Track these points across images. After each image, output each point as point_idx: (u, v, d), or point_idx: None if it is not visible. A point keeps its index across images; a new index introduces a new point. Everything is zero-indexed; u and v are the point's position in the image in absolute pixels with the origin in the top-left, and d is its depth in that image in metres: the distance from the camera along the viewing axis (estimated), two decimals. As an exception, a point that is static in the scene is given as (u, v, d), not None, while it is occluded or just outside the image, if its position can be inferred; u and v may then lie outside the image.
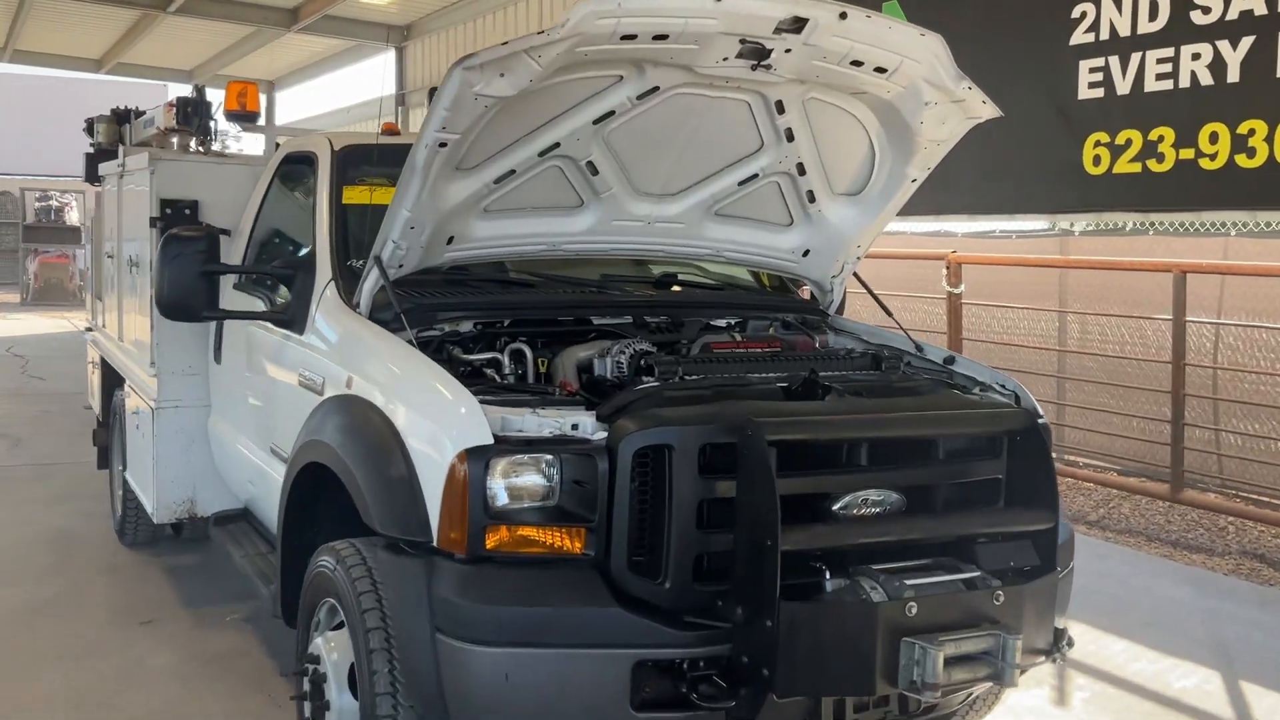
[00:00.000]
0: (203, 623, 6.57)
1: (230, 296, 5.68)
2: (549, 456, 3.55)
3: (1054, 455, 4.32)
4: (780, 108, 4.62)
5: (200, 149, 6.73)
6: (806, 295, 5.63)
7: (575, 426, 3.66)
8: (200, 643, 6.21)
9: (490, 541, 3.50)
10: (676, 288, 5.48)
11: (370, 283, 4.46)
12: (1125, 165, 8.86)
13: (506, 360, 4.41)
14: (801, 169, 4.95)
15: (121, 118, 8.65)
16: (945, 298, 10.68)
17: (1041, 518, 3.84)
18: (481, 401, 3.75)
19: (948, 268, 10.63)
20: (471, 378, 4.23)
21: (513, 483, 3.55)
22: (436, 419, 3.69)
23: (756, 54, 4.11)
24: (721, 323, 5.06)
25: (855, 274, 5.56)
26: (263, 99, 6.96)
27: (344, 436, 4.03)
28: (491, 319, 4.65)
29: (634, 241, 4.99)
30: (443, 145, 4.03)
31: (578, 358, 4.46)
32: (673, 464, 3.50)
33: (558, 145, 4.42)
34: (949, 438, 3.90)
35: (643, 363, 4.21)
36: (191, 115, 6.58)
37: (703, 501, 3.53)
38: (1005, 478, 4.01)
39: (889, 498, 3.72)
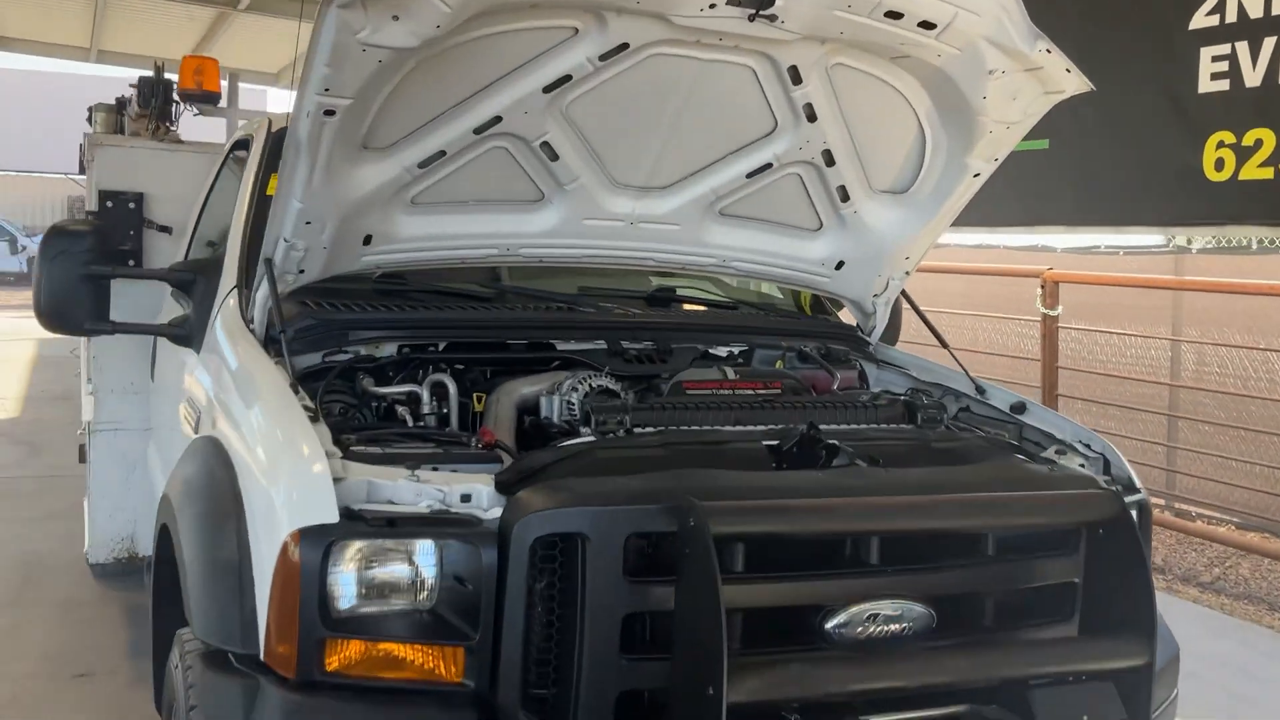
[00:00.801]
0: (143, 679, 5.65)
1: (170, 306, 4.80)
2: (421, 542, 2.54)
3: (1164, 505, 3.16)
4: (796, 76, 3.54)
5: (161, 135, 5.87)
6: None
7: (466, 498, 2.63)
8: (129, 706, 5.31)
9: (332, 661, 2.49)
10: (693, 307, 4.42)
11: (263, 292, 3.49)
12: (1253, 171, 7.52)
13: (426, 396, 3.41)
14: (829, 158, 3.85)
15: (122, 105, 7.91)
16: (1039, 320, 9.41)
17: (1132, 649, 2.69)
18: (355, 457, 2.75)
19: (1043, 286, 9.36)
20: (384, 419, 3.25)
21: (367, 577, 2.54)
22: (276, 481, 2.71)
23: (754, -2, 3.05)
24: (723, 351, 3.98)
25: (903, 293, 4.43)
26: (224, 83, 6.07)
27: (182, 497, 3.07)
28: (422, 340, 3.65)
29: (613, 247, 3.95)
30: (329, 114, 3.04)
31: (520, 395, 3.44)
32: (586, 560, 2.45)
33: (499, 120, 3.41)
34: (1001, 528, 2.77)
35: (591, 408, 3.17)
36: (149, 97, 5.73)
37: (631, 616, 2.47)
38: (1082, 585, 2.87)
39: (909, 612, 2.63)
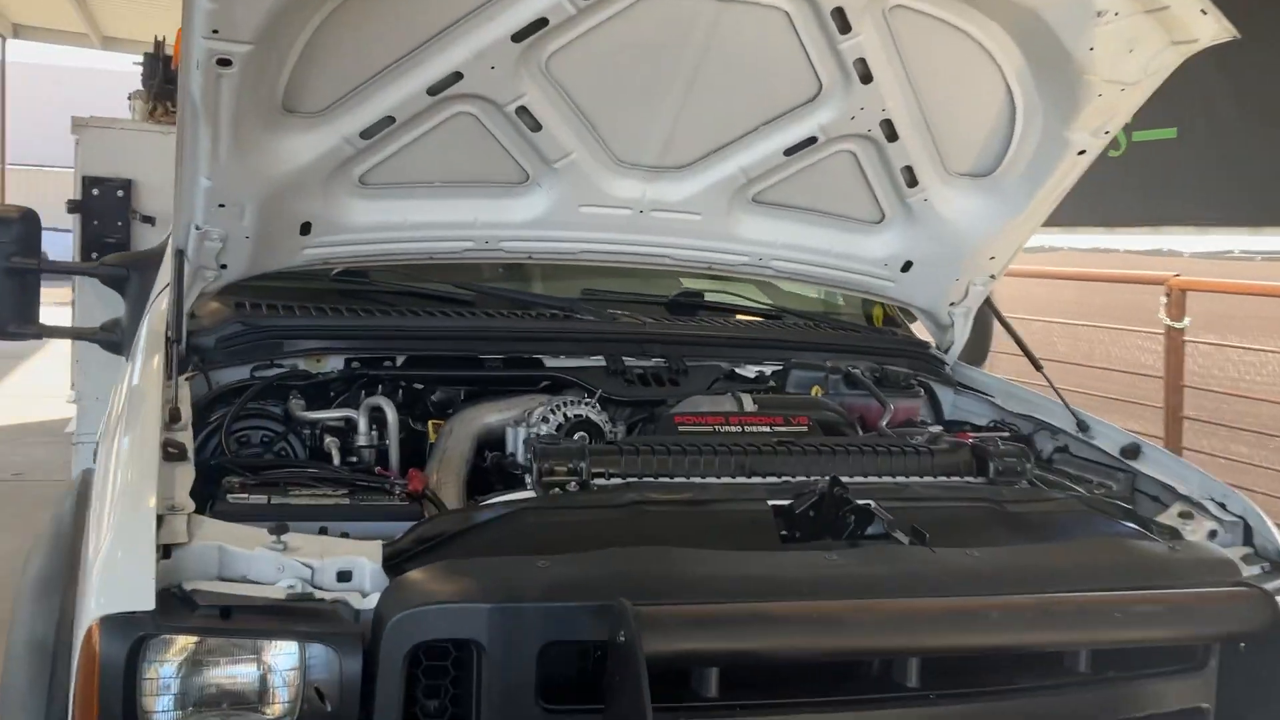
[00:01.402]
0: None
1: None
2: (263, 642, 1.83)
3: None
4: (843, 22, 2.77)
5: (159, 117, 5.32)
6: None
7: (345, 576, 1.93)
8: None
9: (142, 791, 1.81)
10: (726, 316, 3.66)
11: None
12: None
13: (363, 423, 2.72)
14: (890, 130, 3.06)
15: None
16: (1163, 333, 8.36)
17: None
18: (224, 511, 2.09)
19: (1167, 295, 8.31)
20: (313, 455, 2.61)
21: (192, 684, 1.84)
22: (97, 546, 2.02)
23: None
24: (752, 371, 3.20)
25: (988, 301, 3.60)
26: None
27: (32, 548, 2.42)
28: (375, 354, 2.97)
29: (619, 241, 3.22)
30: (224, 63, 2.37)
31: (480, 425, 2.74)
32: (483, 677, 1.72)
33: (458, 78, 2.71)
34: (1099, 644, 1.95)
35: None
36: (148, 76, 5.18)
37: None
38: (1215, 713, 2.03)
39: (962, 759, 1.82)
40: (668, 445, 2.32)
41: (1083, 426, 3.13)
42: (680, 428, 2.49)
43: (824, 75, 2.92)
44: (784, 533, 2.13)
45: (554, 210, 3.09)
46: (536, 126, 2.88)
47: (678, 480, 2.27)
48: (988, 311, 3.70)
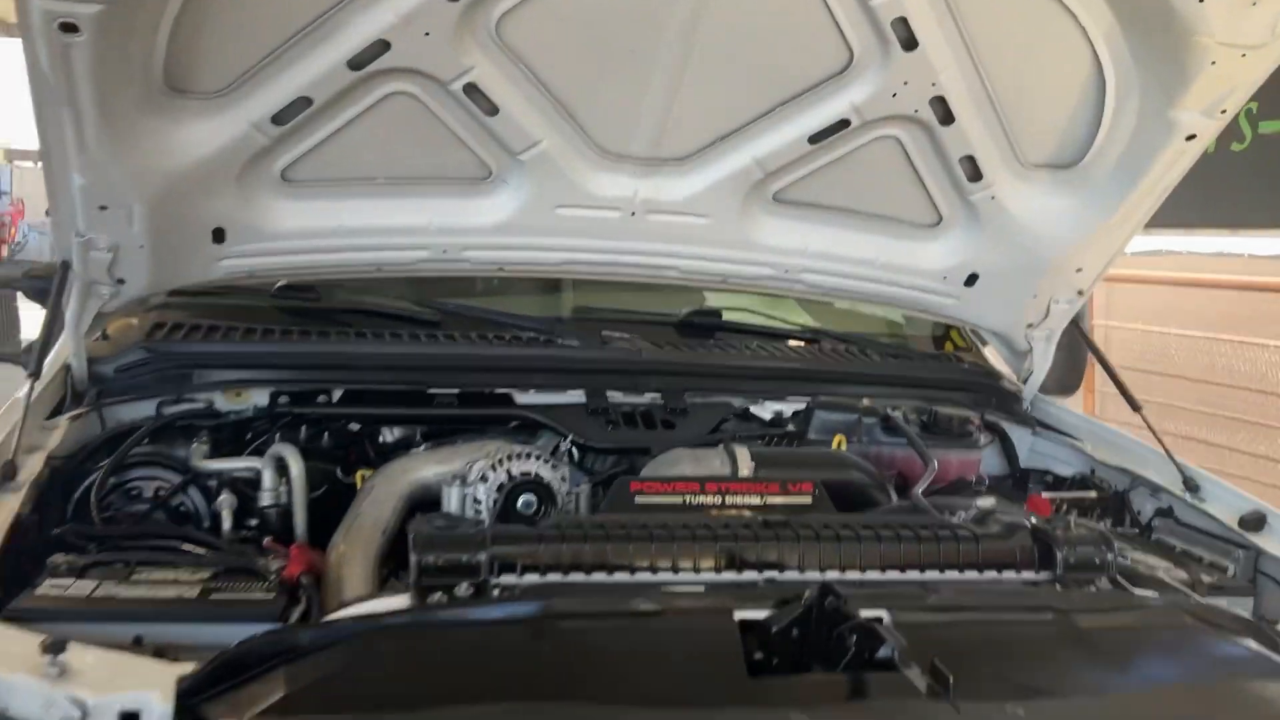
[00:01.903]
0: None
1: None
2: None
3: None
4: (875, -30, 2.15)
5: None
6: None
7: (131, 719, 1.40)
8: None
9: None
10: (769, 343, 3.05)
11: (72, 310, 2.37)
12: None
13: (269, 476, 2.20)
14: (944, 110, 2.44)
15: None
16: (1293, 347, 7.47)
17: None
18: (19, 611, 1.59)
19: (1299, 304, 7.45)
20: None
21: None
22: None
23: None
24: (769, 409, 2.60)
25: (1075, 323, 2.93)
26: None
27: None
28: (307, 387, 2.45)
29: (608, 249, 2.65)
30: (69, 29, 1.87)
31: (413, 481, 2.19)
32: None
33: (385, 48, 2.17)
34: None
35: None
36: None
37: None
38: None
39: None
40: (609, 528, 1.73)
41: (1191, 486, 2.46)
42: (638, 498, 1.90)
43: (855, 41, 2.31)
44: (757, 657, 1.53)
45: (525, 212, 2.53)
46: (492, 109, 2.33)
47: (617, 579, 1.68)
48: (1076, 334, 3.03)
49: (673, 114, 2.43)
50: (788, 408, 2.60)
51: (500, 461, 2.12)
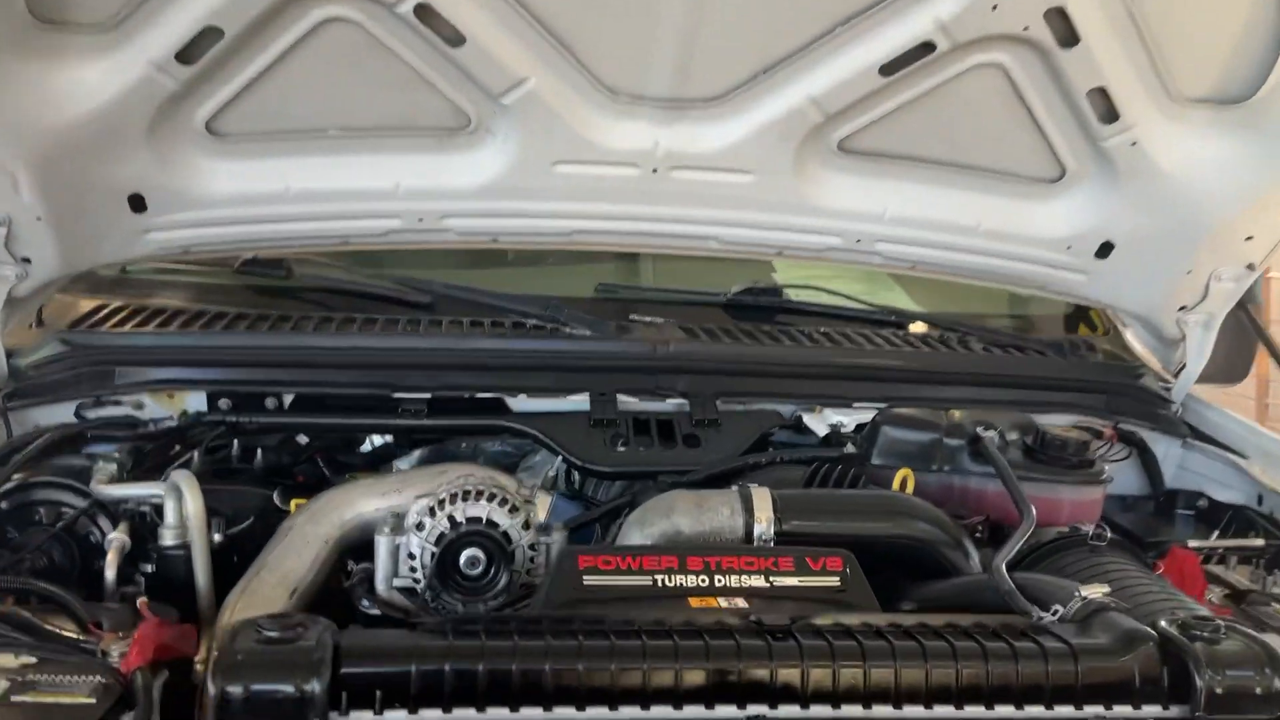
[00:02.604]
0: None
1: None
2: None
3: None
4: None
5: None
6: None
7: None
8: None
9: None
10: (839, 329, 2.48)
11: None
12: None
13: (170, 512, 1.75)
14: (1066, 29, 1.82)
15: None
16: None
17: None
18: None
19: None
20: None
21: None
22: None
23: None
24: (825, 421, 2.02)
25: (1242, 309, 2.26)
26: None
27: None
28: (252, 388, 2.00)
29: (626, 215, 2.11)
30: None
31: (345, 520, 1.72)
32: None
33: (300, -41, 1.66)
34: None
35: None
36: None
37: None
38: None
39: None
40: (520, 634, 1.19)
41: None
42: (587, 578, 1.35)
43: (936, -68, 1.69)
44: None
45: (516, 171, 2.00)
46: (456, 37, 1.80)
47: (523, 720, 1.16)
48: (1247, 318, 2.35)
49: (700, 41, 1.86)
50: (851, 419, 2.02)
51: (442, 503, 1.62)
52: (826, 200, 2.11)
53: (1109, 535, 1.68)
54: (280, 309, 2.26)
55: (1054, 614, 1.36)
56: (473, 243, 2.15)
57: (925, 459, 1.89)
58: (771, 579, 1.38)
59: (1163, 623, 1.31)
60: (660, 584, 1.35)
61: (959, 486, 1.88)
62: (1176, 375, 2.34)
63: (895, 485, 1.76)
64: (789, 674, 1.21)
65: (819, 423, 2.02)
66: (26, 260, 1.97)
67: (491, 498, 1.64)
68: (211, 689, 1.11)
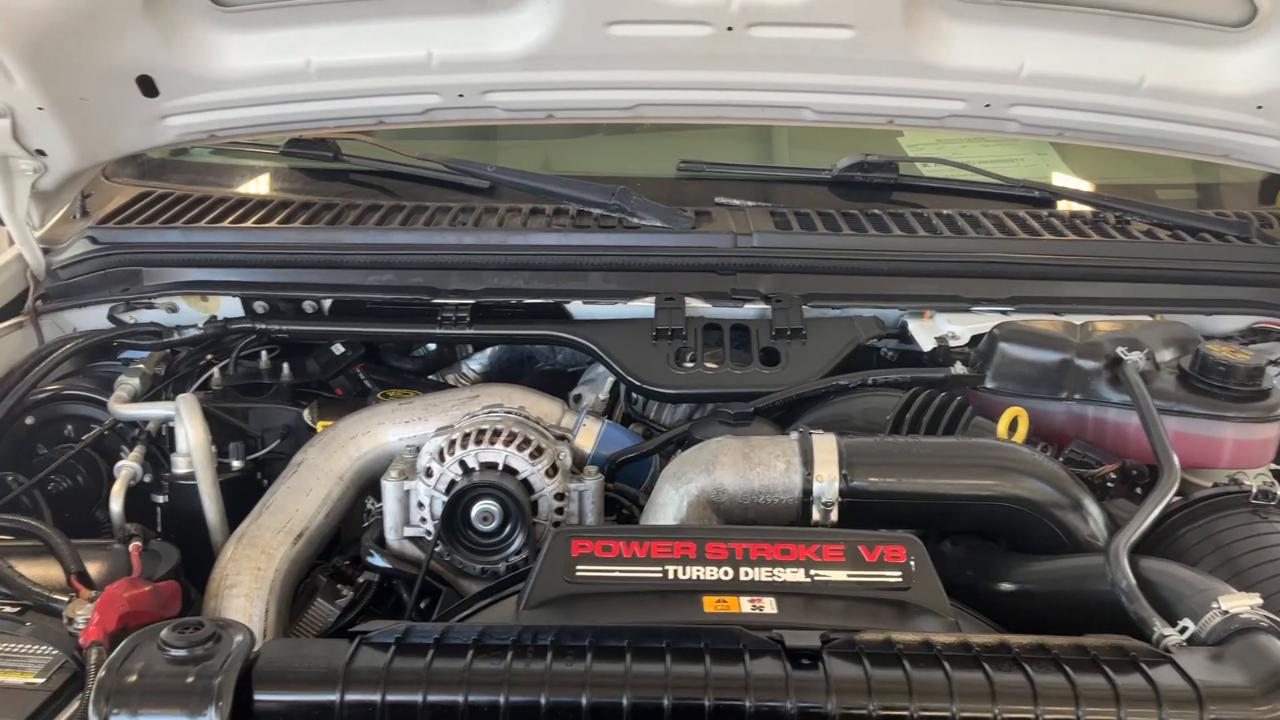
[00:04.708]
0: None
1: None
2: None
3: None
4: None
5: None
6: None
7: None
8: None
9: None
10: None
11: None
12: None
13: (181, 437, 1.60)
14: None
15: None
16: None
17: None
18: None
19: None
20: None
21: None
22: None
23: None
24: (932, 332, 1.69)
25: None
26: None
27: None
28: (288, 293, 1.82)
29: (694, 83, 1.77)
30: None
31: (362, 453, 1.55)
32: None
33: None
34: None
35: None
36: None
37: None
38: None
39: None
40: (471, 660, 0.96)
41: None
42: (580, 568, 1.09)
43: None
44: None
45: (563, 35, 1.69)
46: None
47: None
48: None
49: None
50: (966, 328, 1.67)
51: (453, 444, 1.39)
52: (946, 57, 1.72)
53: (1278, 496, 1.31)
54: (330, 193, 2.05)
55: (1182, 631, 1.04)
56: (520, 118, 1.86)
57: (1052, 384, 1.54)
58: (813, 572, 1.10)
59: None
60: (671, 577, 1.09)
61: (1093, 419, 1.53)
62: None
63: (1003, 427, 1.42)
64: (811, 713, 0.94)
65: (926, 332, 1.69)
66: (41, 152, 1.80)
67: (511, 439, 1.40)
68: (94, 718, 0.93)
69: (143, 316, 1.86)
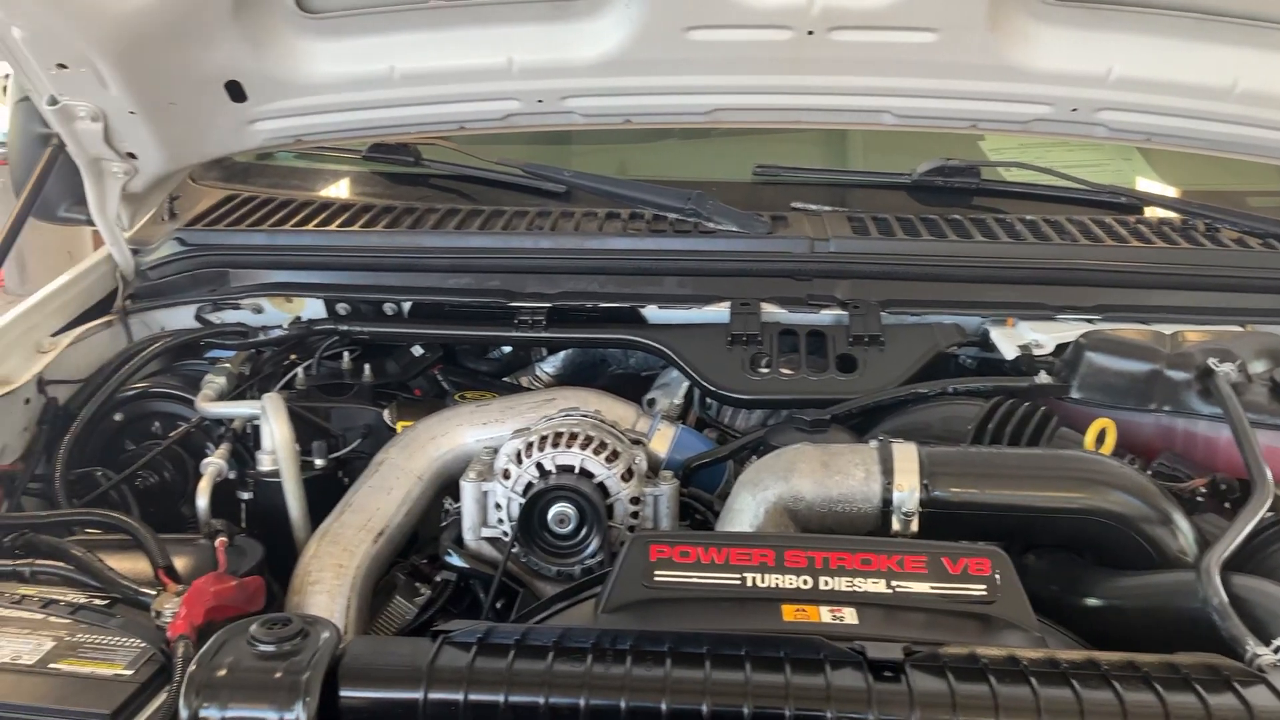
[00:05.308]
0: None
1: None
2: None
3: None
4: None
5: None
6: None
7: None
8: None
9: None
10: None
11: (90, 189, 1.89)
12: None
13: (266, 435, 1.64)
14: None
15: None
16: None
17: None
18: None
19: None
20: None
21: None
22: None
23: None
24: (1014, 340, 1.66)
25: None
26: None
27: None
28: (371, 295, 1.85)
29: (773, 88, 1.76)
30: None
31: (440, 455, 1.57)
32: None
33: None
34: None
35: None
36: None
37: None
38: None
39: None
40: (552, 662, 0.96)
41: None
42: (658, 573, 1.09)
43: None
44: None
45: (642, 40, 1.69)
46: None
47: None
48: None
49: None
50: (1051, 337, 1.64)
51: (530, 447, 1.40)
52: (1032, 60, 1.69)
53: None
54: (410, 197, 2.08)
55: (1276, 650, 1.02)
56: (597, 123, 1.87)
57: (1141, 395, 1.51)
58: (894, 583, 1.08)
59: None
60: (750, 584, 1.09)
61: (1183, 432, 1.49)
62: None
63: (1090, 439, 1.40)
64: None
65: (1009, 340, 1.66)
66: (132, 156, 1.85)
67: (587, 442, 1.40)
68: (184, 711, 0.95)
69: (229, 317, 1.90)
